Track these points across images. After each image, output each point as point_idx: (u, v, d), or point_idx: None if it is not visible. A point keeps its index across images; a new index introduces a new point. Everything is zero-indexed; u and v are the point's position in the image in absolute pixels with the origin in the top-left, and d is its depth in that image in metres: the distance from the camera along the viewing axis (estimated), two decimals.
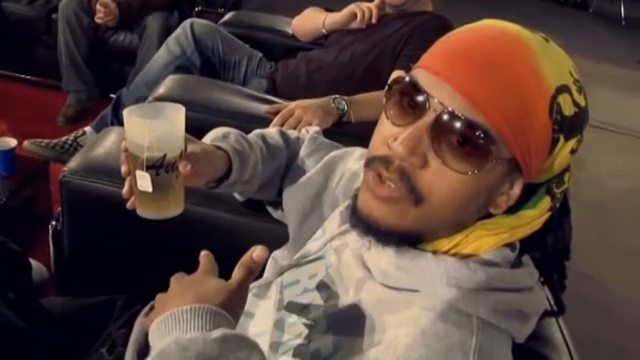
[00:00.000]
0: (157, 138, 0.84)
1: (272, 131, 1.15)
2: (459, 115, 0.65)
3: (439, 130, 0.66)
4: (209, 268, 0.81)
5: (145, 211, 0.89)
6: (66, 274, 1.38)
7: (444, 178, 0.67)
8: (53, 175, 2.09)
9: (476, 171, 0.66)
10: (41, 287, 1.64)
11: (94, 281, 1.35)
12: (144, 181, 0.85)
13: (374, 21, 2.08)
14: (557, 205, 0.75)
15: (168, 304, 0.73)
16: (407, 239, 0.73)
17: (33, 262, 1.37)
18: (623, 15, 7.13)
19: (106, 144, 1.35)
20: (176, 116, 0.86)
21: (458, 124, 0.65)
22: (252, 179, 1.04)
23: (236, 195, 1.13)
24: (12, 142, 1.97)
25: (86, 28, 2.86)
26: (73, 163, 1.27)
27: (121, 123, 2.32)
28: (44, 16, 3.03)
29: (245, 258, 0.78)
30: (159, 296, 0.79)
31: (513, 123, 0.65)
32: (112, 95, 2.51)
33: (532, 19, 6.53)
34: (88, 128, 2.50)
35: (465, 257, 0.73)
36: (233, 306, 0.74)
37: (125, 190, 0.91)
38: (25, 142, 2.41)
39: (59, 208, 1.31)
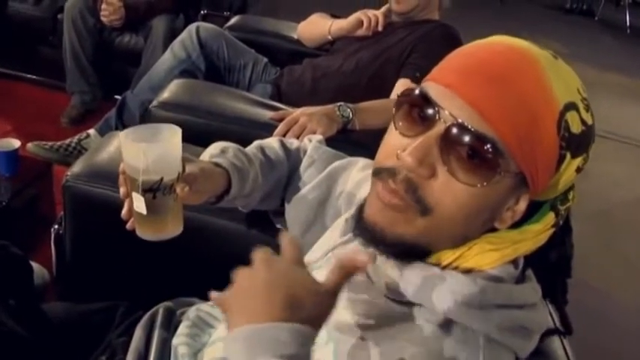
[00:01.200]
0: (153, 161, 0.84)
1: (272, 142, 1.14)
2: (469, 127, 0.66)
3: (448, 141, 0.67)
4: (297, 256, 0.70)
5: (143, 233, 0.90)
6: (67, 278, 1.38)
7: (451, 190, 0.68)
8: (56, 177, 2.09)
9: (485, 183, 0.67)
10: (42, 291, 1.64)
11: (95, 286, 1.35)
12: (139, 203, 0.86)
13: (380, 29, 2.07)
14: (561, 222, 0.76)
15: (255, 300, 0.65)
16: (411, 251, 0.73)
17: (34, 265, 1.37)
18: (628, 23, 7.12)
19: (109, 149, 1.34)
20: (172, 138, 0.87)
21: (467, 136, 0.66)
22: (252, 192, 1.04)
23: (239, 207, 1.13)
24: (15, 143, 1.97)
25: (91, 29, 2.85)
26: (77, 167, 1.27)
27: (125, 126, 2.32)
28: (50, 17, 3.04)
29: (346, 262, 0.68)
30: (241, 274, 0.68)
31: (522, 137, 0.66)
32: (116, 97, 2.51)
33: (537, 26, 6.53)
34: (92, 131, 2.49)
35: (469, 271, 0.72)
36: (322, 314, 0.67)
37: (124, 211, 0.91)
38: (29, 145, 2.40)
39: (62, 212, 1.31)
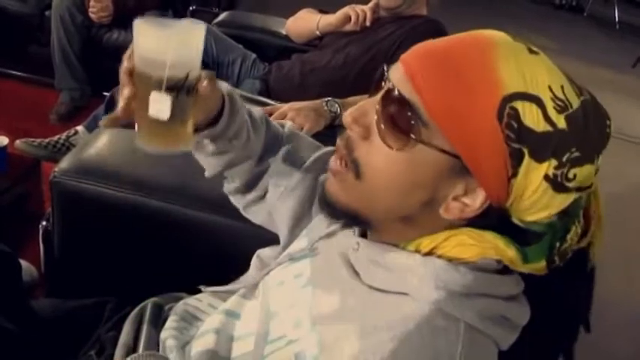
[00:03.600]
0: (180, 53, 0.73)
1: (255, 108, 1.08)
2: (396, 91, 0.70)
3: (382, 104, 0.71)
4: None
5: (153, 144, 0.78)
6: (56, 274, 1.38)
7: (378, 152, 0.71)
8: (45, 174, 2.08)
9: (401, 147, 0.69)
10: (31, 288, 1.63)
11: (84, 282, 1.35)
12: (162, 105, 0.73)
13: (368, 24, 2.08)
14: (556, 264, 0.72)
15: None
16: (355, 219, 0.77)
17: (23, 262, 1.37)
18: (617, 19, 7.16)
19: (97, 144, 1.35)
20: (196, 30, 0.76)
21: (394, 100, 0.70)
22: (235, 140, 0.95)
23: (210, 167, 1.03)
24: (3, 140, 1.96)
25: (80, 26, 2.84)
26: (64, 163, 1.27)
27: None
28: (37, 13, 3.02)
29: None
30: None
31: (449, 109, 0.66)
32: (105, 93, 2.49)
33: (527, 22, 6.56)
34: (80, 128, 2.49)
35: (450, 261, 0.73)
36: None
37: (120, 110, 0.80)
38: (17, 142, 2.39)
39: (50, 209, 1.31)
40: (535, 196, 0.68)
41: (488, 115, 0.66)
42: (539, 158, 0.66)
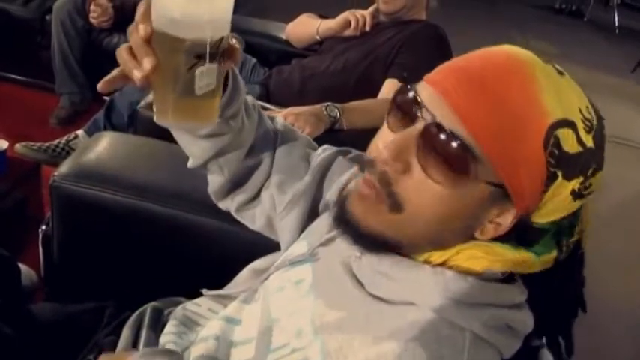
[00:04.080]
0: (220, 9, 0.62)
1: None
2: (445, 127, 0.66)
3: (425, 139, 0.67)
4: None
5: (182, 120, 0.68)
6: (55, 278, 1.38)
7: (424, 189, 0.68)
8: (45, 178, 2.09)
9: (456, 186, 0.67)
10: (31, 292, 1.63)
11: (83, 286, 1.35)
12: (209, 77, 0.63)
13: (368, 29, 2.09)
14: (562, 256, 0.75)
15: None
16: (383, 245, 0.74)
17: (23, 266, 1.37)
18: (617, 24, 7.17)
19: (97, 149, 1.35)
20: None
21: (442, 136, 0.66)
22: (232, 121, 0.90)
23: (200, 152, 0.95)
24: (3, 144, 1.97)
25: (80, 30, 2.84)
26: (64, 167, 1.27)
27: (113, 127, 2.32)
28: (38, 17, 3.02)
29: None
30: None
31: (501, 145, 0.65)
32: (105, 98, 2.50)
33: (527, 26, 6.56)
34: (80, 132, 2.49)
35: (461, 272, 0.73)
36: None
37: (138, 81, 0.69)
38: (17, 145, 2.40)
39: (49, 213, 1.31)
40: (559, 209, 0.71)
41: (536, 145, 0.66)
42: (569, 177, 0.69)
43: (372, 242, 0.73)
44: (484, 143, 0.66)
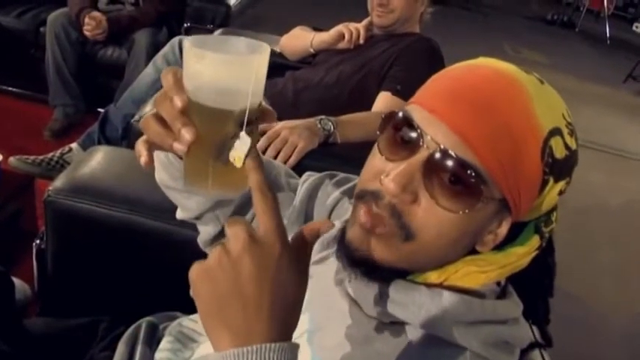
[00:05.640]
0: (258, 79, 0.61)
1: None
2: (452, 153, 0.65)
3: (432, 167, 0.66)
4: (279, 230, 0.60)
5: (221, 189, 0.66)
6: (49, 293, 1.37)
7: (434, 216, 0.67)
8: (39, 192, 2.08)
9: (467, 210, 0.66)
10: (24, 307, 1.63)
11: (77, 301, 1.34)
12: (245, 145, 0.61)
13: (361, 41, 2.09)
14: (544, 244, 0.76)
15: (236, 306, 0.56)
16: (393, 273, 0.73)
17: (16, 280, 1.36)
18: (608, 35, 7.23)
19: (91, 163, 1.35)
20: (267, 50, 0.64)
21: (450, 163, 0.65)
22: None
23: (196, 204, 0.95)
24: None
25: (74, 42, 2.85)
26: (58, 182, 1.27)
27: (107, 141, 2.32)
28: (32, 30, 3.03)
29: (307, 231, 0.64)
30: (214, 263, 0.57)
31: (505, 164, 0.65)
32: (99, 110, 2.51)
33: (519, 37, 6.61)
34: (74, 145, 2.49)
35: (455, 290, 0.73)
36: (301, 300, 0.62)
37: (180, 150, 0.64)
38: (11, 159, 2.39)
39: (43, 227, 1.31)
40: (547, 207, 0.74)
41: (535, 159, 0.67)
42: (559, 180, 0.71)
43: (381, 273, 0.72)
44: (490, 165, 0.65)
